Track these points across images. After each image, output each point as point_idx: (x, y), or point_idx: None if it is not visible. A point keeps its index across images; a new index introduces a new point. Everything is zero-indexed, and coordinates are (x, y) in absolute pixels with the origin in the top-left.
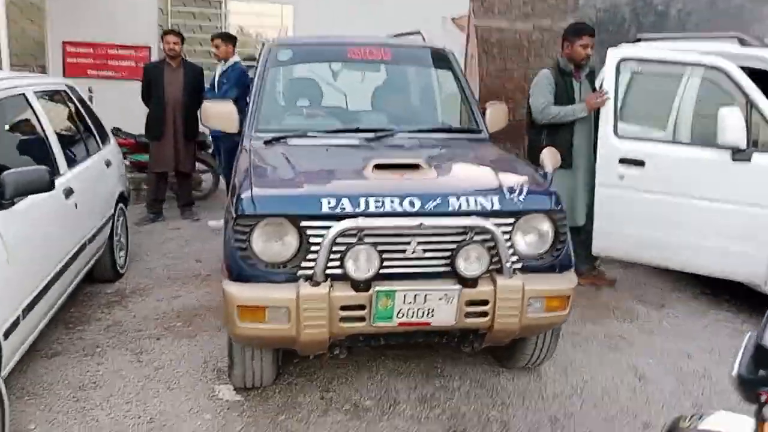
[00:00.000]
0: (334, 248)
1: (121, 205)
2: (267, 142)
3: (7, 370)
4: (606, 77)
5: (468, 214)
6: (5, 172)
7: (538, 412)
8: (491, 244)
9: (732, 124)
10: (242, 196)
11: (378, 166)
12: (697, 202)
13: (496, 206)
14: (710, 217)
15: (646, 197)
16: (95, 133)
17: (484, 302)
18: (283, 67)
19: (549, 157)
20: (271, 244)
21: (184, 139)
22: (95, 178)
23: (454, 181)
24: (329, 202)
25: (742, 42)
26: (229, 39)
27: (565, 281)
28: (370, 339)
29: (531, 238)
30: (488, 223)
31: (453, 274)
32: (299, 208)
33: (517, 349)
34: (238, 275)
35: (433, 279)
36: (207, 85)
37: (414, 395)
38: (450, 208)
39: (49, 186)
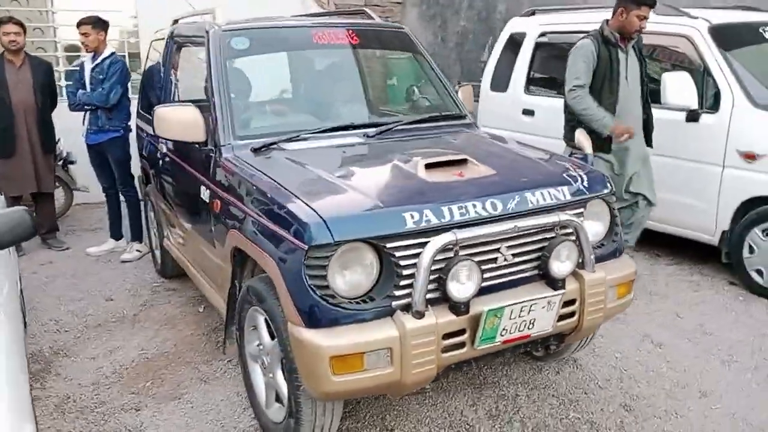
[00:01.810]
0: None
1: None
2: (256, 150)
3: None
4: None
5: (547, 209)
6: None
7: (608, 402)
8: (572, 238)
9: (680, 87)
10: (307, 221)
11: (428, 166)
12: (659, 158)
13: (568, 197)
14: (667, 172)
15: None
16: None
17: (572, 302)
18: (240, 58)
19: (585, 138)
20: (350, 275)
21: (42, 153)
22: None
23: (515, 175)
24: (412, 216)
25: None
26: (101, 25)
27: (629, 265)
28: (461, 365)
29: (593, 226)
30: (574, 217)
31: (539, 277)
32: (382, 228)
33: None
34: (320, 319)
35: (520, 286)
36: (61, 83)
37: (480, 412)
38: (530, 206)
39: (33, 232)
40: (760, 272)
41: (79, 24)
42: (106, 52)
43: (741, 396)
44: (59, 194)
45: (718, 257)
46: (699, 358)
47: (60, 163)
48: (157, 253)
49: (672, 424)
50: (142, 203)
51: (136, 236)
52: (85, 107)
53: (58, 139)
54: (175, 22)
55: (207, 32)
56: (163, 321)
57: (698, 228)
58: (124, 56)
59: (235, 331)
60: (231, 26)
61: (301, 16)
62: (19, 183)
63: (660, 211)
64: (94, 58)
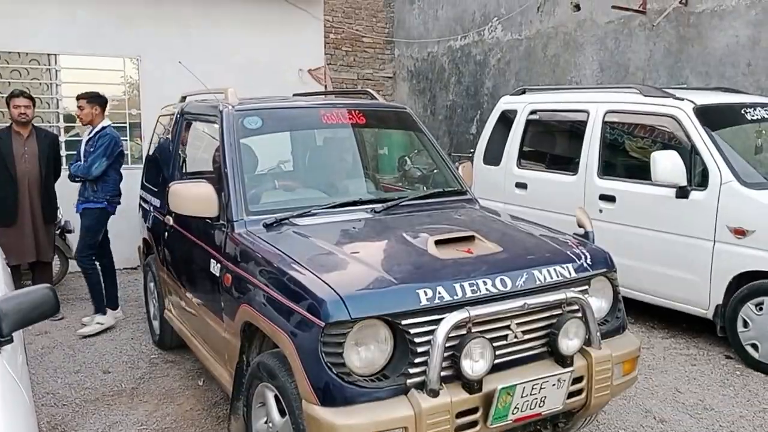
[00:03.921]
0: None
1: None
2: (268, 226)
3: None
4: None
5: (554, 286)
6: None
7: None
8: (579, 315)
9: (669, 165)
10: (324, 298)
11: (438, 242)
12: (652, 233)
13: (573, 274)
14: (659, 247)
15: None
16: None
17: (580, 379)
18: (252, 137)
19: (586, 215)
20: (365, 352)
21: (43, 223)
22: None
23: (522, 252)
24: (426, 293)
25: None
26: (97, 101)
27: (633, 341)
28: None
29: (597, 302)
30: (580, 294)
31: (548, 354)
32: (397, 305)
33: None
34: (335, 397)
35: (529, 363)
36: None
37: None
38: (537, 283)
39: (57, 308)
40: (755, 346)
41: (78, 98)
42: (99, 126)
43: None
44: (55, 262)
45: (712, 330)
46: None
47: (58, 232)
48: (156, 323)
49: None
50: (142, 274)
51: (100, 308)
52: (76, 179)
53: (57, 208)
54: (183, 99)
55: (220, 111)
56: (163, 395)
57: (692, 302)
58: (118, 128)
59: (241, 406)
60: (243, 106)
61: (305, 94)
62: (19, 252)
63: (654, 285)
64: (90, 131)
